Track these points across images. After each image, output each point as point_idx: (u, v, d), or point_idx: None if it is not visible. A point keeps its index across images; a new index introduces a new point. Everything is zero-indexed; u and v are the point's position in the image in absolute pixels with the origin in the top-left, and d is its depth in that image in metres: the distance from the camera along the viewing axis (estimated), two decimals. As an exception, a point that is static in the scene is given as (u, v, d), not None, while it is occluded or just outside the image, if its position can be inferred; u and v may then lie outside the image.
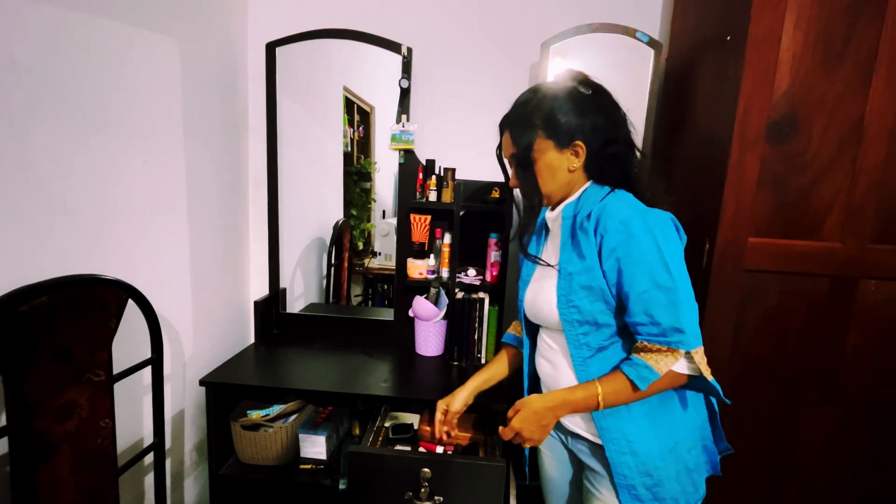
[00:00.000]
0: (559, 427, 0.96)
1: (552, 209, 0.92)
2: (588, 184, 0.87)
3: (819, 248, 1.16)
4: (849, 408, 1.23)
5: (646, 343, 0.78)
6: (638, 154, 0.88)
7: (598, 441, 0.86)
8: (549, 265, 0.91)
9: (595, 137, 0.83)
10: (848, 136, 1.11)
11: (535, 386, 1.02)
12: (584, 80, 0.85)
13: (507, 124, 0.89)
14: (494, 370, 1.08)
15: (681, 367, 0.78)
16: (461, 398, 1.02)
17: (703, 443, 0.90)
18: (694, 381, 0.81)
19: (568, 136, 0.83)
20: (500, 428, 0.85)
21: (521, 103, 0.87)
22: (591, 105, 0.83)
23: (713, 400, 0.90)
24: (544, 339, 0.95)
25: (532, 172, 0.86)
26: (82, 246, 1.04)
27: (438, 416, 1.02)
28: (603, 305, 0.82)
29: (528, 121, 0.85)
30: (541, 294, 0.91)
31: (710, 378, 0.79)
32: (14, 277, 0.87)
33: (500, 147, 0.93)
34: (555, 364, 0.92)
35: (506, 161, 0.92)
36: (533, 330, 1.00)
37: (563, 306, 0.85)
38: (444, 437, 1.02)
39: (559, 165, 0.85)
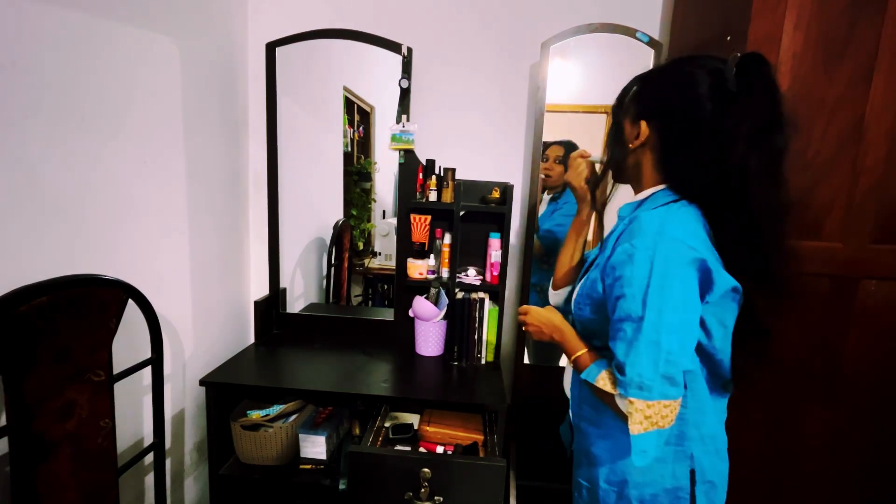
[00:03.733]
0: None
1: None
2: (661, 188, 0.76)
3: (819, 248, 1.16)
4: (849, 408, 1.23)
5: None
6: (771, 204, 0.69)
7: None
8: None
9: (669, 127, 0.72)
10: (848, 136, 1.11)
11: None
12: (726, 73, 0.67)
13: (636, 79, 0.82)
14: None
15: (621, 402, 0.70)
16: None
17: None
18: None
19: (638, 111, 0.75)
20: (523, 307, 0.93)
21: (655, 66, 0.83)
22: (689, 93, 0.69)
23: (696, 473, 0.77)
24: None
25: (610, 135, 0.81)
26: (82, 246, 1.04)
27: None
28: (604, 319, 0.75)
29: (638, 79, 0.79)
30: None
31: (632, 432, 0.67)
32: (14, 277, 0.87)
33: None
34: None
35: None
36: None
37: (574, 304, 0.83)
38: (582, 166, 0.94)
39: (619, 138, 0.79)
